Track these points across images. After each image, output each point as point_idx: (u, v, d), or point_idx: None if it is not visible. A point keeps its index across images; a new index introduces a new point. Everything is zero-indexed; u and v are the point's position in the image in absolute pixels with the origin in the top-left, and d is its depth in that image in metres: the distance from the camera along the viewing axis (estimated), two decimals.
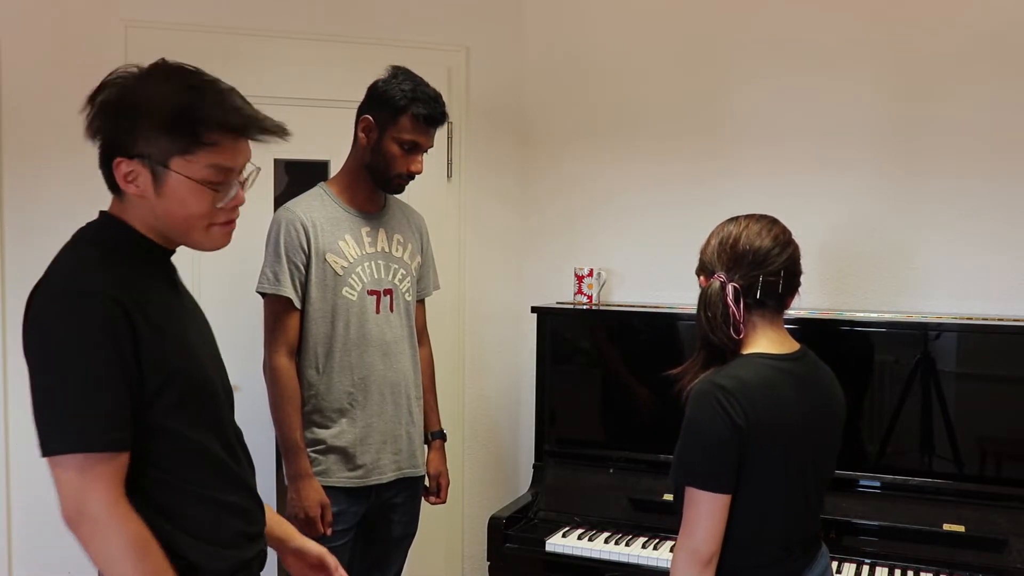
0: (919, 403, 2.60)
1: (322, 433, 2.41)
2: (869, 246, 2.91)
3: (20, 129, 2.78)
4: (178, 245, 1.53)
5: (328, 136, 2.73)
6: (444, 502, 2.68)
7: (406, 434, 2.51)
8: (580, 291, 3.15)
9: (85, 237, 1.47)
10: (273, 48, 3.01)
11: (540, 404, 3.04)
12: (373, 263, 2.46)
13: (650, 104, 3.19)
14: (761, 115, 3.02)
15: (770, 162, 3.01)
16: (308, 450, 2.38)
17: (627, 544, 2.61)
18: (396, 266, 2.51)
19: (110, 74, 1.42)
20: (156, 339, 1.40)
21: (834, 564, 2.41)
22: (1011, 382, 2.54)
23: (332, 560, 1.74)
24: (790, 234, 1.77)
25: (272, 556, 1.68)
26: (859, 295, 2.93)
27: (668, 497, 2.32)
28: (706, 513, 1.63)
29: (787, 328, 1.81)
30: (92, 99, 1.43)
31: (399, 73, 2.42)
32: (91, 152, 1.45)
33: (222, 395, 1.56)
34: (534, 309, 3.06)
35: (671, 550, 2.07)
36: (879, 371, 2.67)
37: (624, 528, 2.70)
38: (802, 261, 1.79)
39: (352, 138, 2.47)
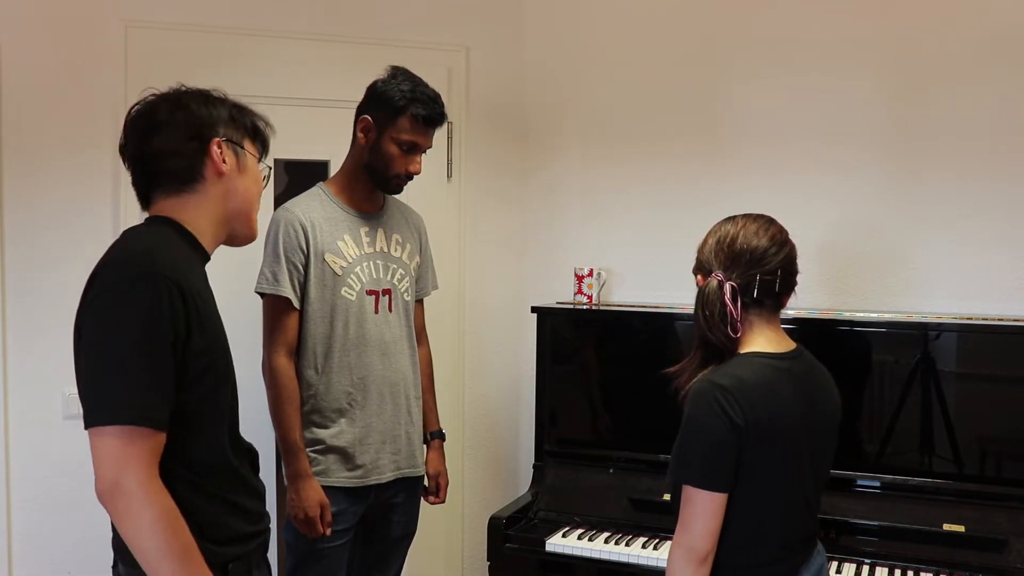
0: (919, 403, 2.59)
1: (321, 433, 2.41)
2: (869, 246, 2.91)
3: (20, 129, 2.77)
4: (219, 244, 1.65)
5: (328, 136, 2.74)
6: (443, 502, 2.68)
7: (405, 434, 2.52)
8: (580, 291, 3.15)
9: (140, 230, 1.57)
10: (273, 48, 3.01)
11: (540, 404, 3.04)
12: (372, 263, 2.46)
13: (650, 104, 3.19)
14: (761, 115, 3.02)
15: (770, 162, 3.01)
16: (307, 450, 2.38)
17: (627, 544, 2.61)
18: (395, 266, 2.51)
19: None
20: (203, 328, 1.48)
21: (834, 564, 2.41)
22: (1011, 382, 2.54)
23: None
24: (787, 233, 1.78)
25: (273, 545, 1.70)
26: (859, 295, 2.93)
27: (668, 497, 2.32)
28: (703, 511, 1.63)
29: (787, 328, 1.81)
30: (169, 99, 1.58)
31: (398, 73, 2.43)
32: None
33: (234, 397, 1.63)
34: (534, 309, 3.06)
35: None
36: (879, 371, 2.67)
37: (624, 528, 2.70)
38: (802, 261, 1.80)
39: (351, 138, 2.48)
